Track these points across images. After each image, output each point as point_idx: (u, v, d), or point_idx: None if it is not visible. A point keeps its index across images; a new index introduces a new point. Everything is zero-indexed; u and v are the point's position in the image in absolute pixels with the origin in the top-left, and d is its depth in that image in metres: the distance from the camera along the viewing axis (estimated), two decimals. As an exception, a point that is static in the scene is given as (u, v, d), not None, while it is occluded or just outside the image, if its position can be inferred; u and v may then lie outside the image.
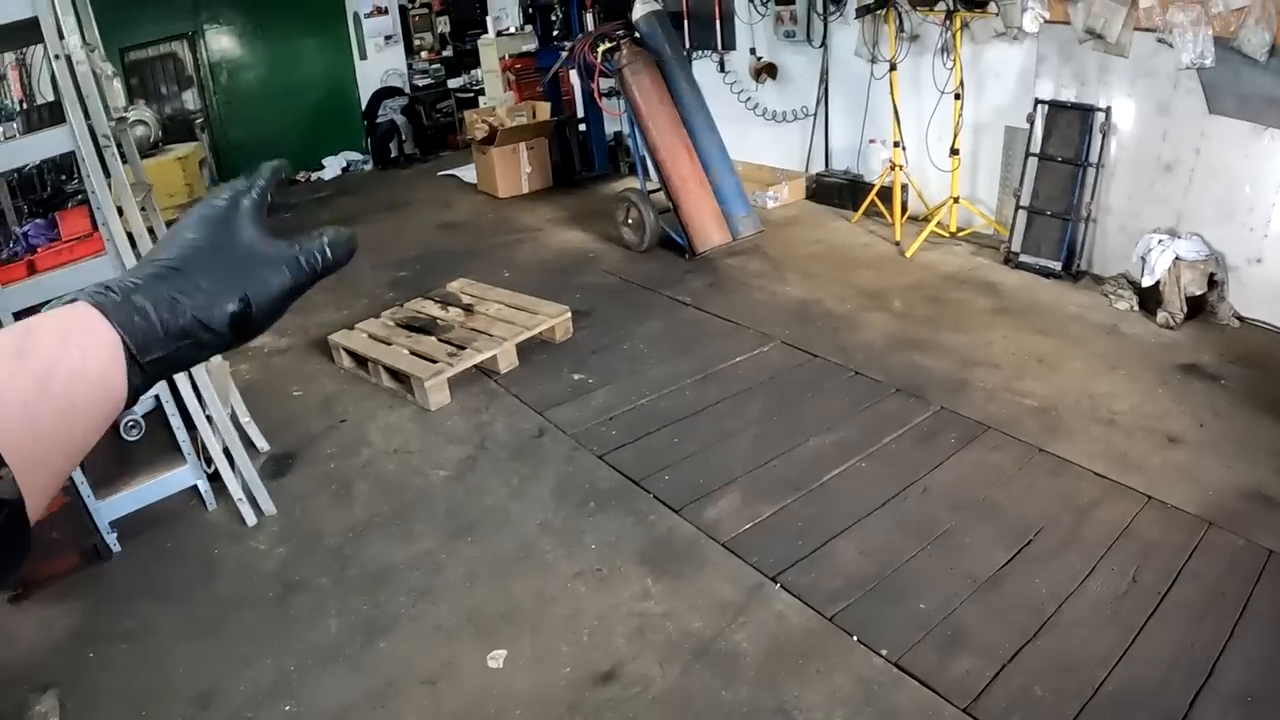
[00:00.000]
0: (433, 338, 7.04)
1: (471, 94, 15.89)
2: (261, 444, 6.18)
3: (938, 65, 8.39)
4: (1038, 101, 7.75)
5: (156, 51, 14.62)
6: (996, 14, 7.85)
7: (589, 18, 12.25)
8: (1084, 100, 7.48)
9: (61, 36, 4.34)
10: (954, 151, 8.39)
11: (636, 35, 8.89)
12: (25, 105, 7.87)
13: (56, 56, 4.34)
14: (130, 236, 4.78)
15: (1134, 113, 7.20)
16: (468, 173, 13.72)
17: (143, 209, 5.11)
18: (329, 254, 1.01)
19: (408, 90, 16.54)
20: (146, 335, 0.83)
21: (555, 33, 12.66)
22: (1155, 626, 3.90)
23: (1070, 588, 4.14)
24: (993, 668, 3.75)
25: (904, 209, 8.97)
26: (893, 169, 8.82)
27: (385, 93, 16.09)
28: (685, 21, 11.42)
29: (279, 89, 15.59)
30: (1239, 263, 6.70)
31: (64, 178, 5.97)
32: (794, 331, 7.02)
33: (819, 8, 9.81)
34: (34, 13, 4.22)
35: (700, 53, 11.54)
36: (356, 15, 16.16)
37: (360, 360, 7.10)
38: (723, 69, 11.41)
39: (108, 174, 4.62)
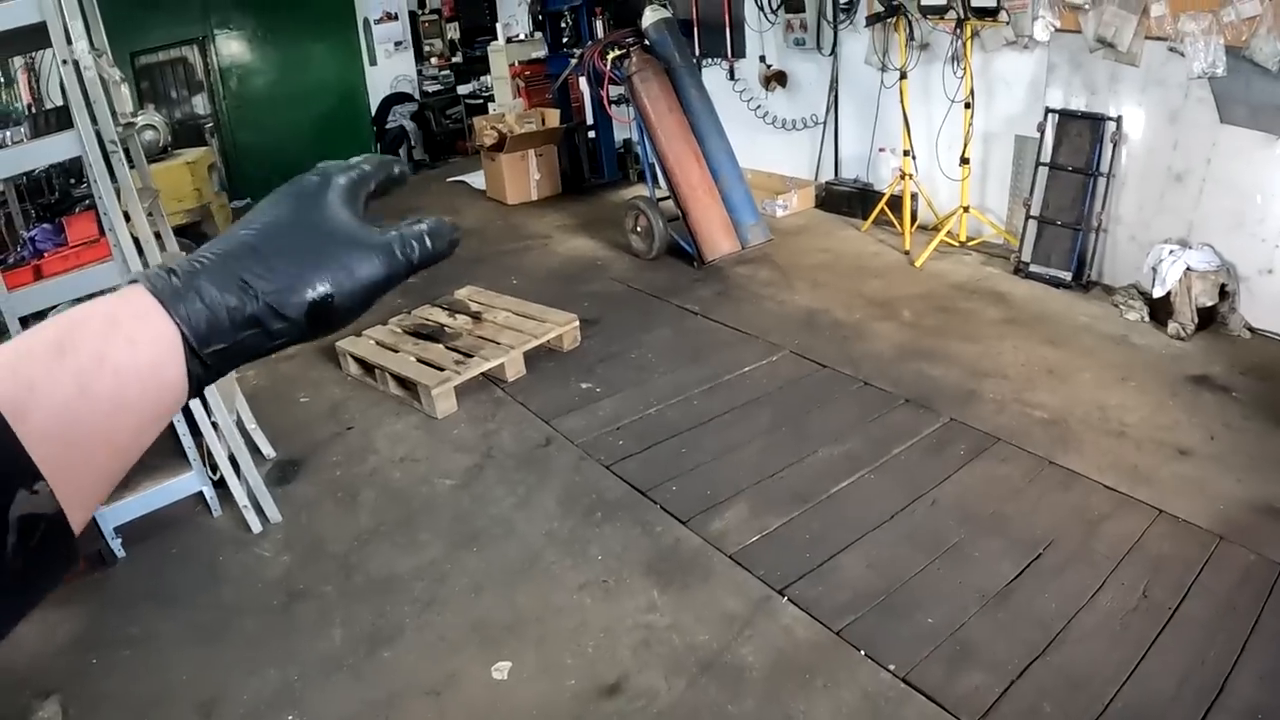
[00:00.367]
0: (440, 345, 7.03)
1: (481, 100, 15.91)
2: (267, 450, 6.17)
3: (948, 74, 8.36)
4: (1048, 110, 7.71)
5: (167, 56, 14.63)
6: (1007, 22, 7.81)
7: (599, 25, 12.24)
8: (1094, 109, 7.44)
9: (69, 42, 4.32)
10: (964, 160, 8.35)
11: (646, 43, 8.89)
12: (33, 109, 7.87)
13: (64, 62, 4.34)
14: (137, 242, 4.77)
15: (1145, 122, 7.17)
16: (476, 179, 13.74)
17: (150, 215, 5.11)
18: (428, 244, 0.91)
19: (417, 96, 16.57)
20: (210, 324, 0.76)
21: (565, 39, 12.64)
22: (1166, 642, 3.85)
23: (1080, 602, 4.09)
24: (1001, 683, 3.71)
25: (913, 218, 8.94)
26: (902, 178, 8.79)
27: (395, 99, 16.13)
28: (695, 29, 11.41)
29: (289, 94, 15.60)
30: (1250, 273, 6.66)
31: (73, 181, 5.97)
32: (803, 341, 6.99)
33: (829, 15, 9.79)
34: (41, 17, 4.21)
35: (710, 60, 11.54)
36: (366, 21, 16.17)
37: (367, 367, 7.08)
38: (732, 76, 11.40)
39: (115, 179, 4.61)
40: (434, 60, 17.07)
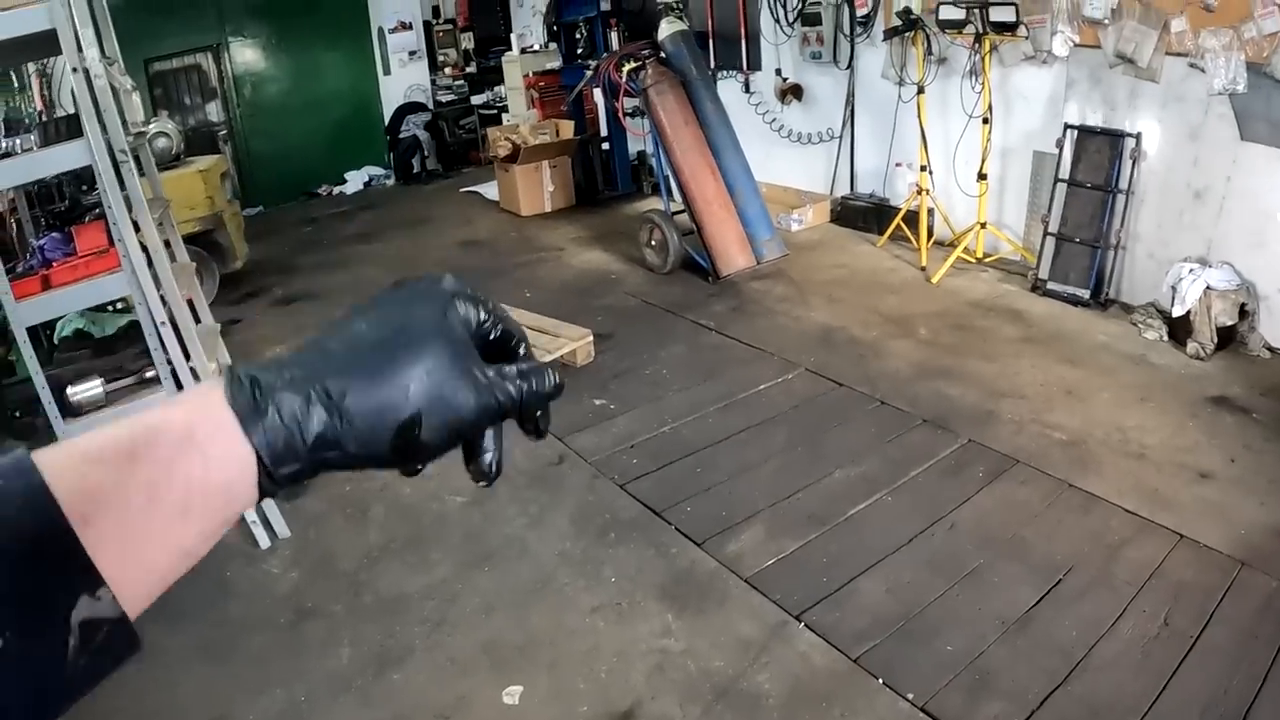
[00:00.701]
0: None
1: (495, 111, 15.92)
2: (277, 464, 6.11)
3: (966, 88, 8.30)
4: (1067, 126, 7.65)
5: (181, 63, 14.71)
6: (1026, 37, 7.76)
7: (613, 36, 12.22)
8: (1113, 125, 7.38)
9: (80, 49, 4.29)
10: (981, 176, 8.29)
11: (662, 55, 8.85)
12: (44, 116, 7.86)
13: (75, 70, 4.30)
14: (147, 252, 4.73)
15: (1164, 139, 7.10)
16: (490, 190, 13.73)
17: (160, 225, 5.07)
18: (533, 386, 0.85)
19: (431, 106, 16.60)
20: (287, 444, 0.73)
21: (580, 50, 12.63)
22: (1188, 671, 3.78)
23: (1101, 630, 4.02)
24: (1021, 713, 3.63)
25: (930, 234, 8.87)
26: (919, 193, 8.73)
27: (408, 108, 16.15)
28: (710, 41, 11.39)
29: (302, 102, 15.65)
30: (1270, 292, 6.59)
31: (84, 189, 5.93)
32: (819, 358, 6.93)
33: (846, 29, 9.74)
34: (52, 25, 4.18)
35: (725, 73, 11.52)
36: (381, 30, 16.22)
37: (378, 380, 7.02)
38: (748, 89, 11.37)
39: (125, 189, 4.57)
40: (448, 70, 17.12)
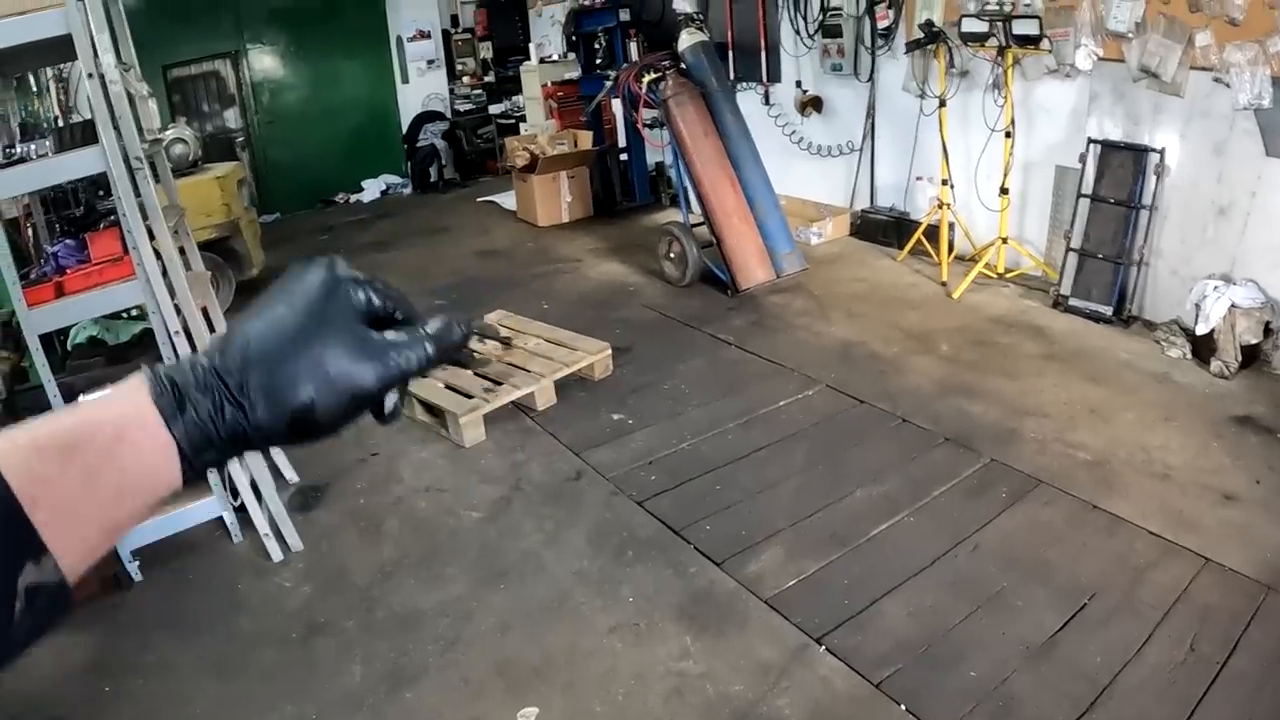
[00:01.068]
0: (469, 371, 6.92)
1: (513, 120, 15.92)
2: (290, 474, 6.09)
3: (988, 102, 8.24)
4: (1090, 141, 7.57)
5: (199, 69, 14.77)
6: (1049, 51, 7.70)
7: (633, 46, 12.20)
8: (1137, 140, 7.30)
9: (96, 55, 4.26)
10: (1003, 190, 8.22)
11: (682, 66, 8.81)
12: (60, 122, 7.84)
13: (90, 75, 4.27)
14: (161, 260, 4.70)
15: (1188, 154, 7.02)
16: (507, 199, 13.73)
17: (175, 232, 5.04)
18: (429, 352, 0.95)
19: (449, 115, 16.63)
20: (202, 437, 0.85)
21: (598, 61, 12.61)
22: (1214, 698, 3.69)
23: (1126, 656, 3.94)
24: (1048, 742, 3.58)
25: (951, 248, 8.81)
26: (940, 207, 8.67)
27: (426, 117, 16.18)
28: (730, 52, 11.34)
29: (320, 110, 15.69)
30: (1295, 311, 6.51)
31: (100, 194, 5.91)
32: (839, 374, 6.86)
33: (867, 41, 9.70)
34: (68, 30, 4.15)
35: (745, 84, 11.45)
36: (399, 39, 16.24)
37: (394, 391, 6.98)
38: (767, 101, 11.32)
39: (140, 196, 4.54)
40: (466, 79, 17.13)
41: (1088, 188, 7.58)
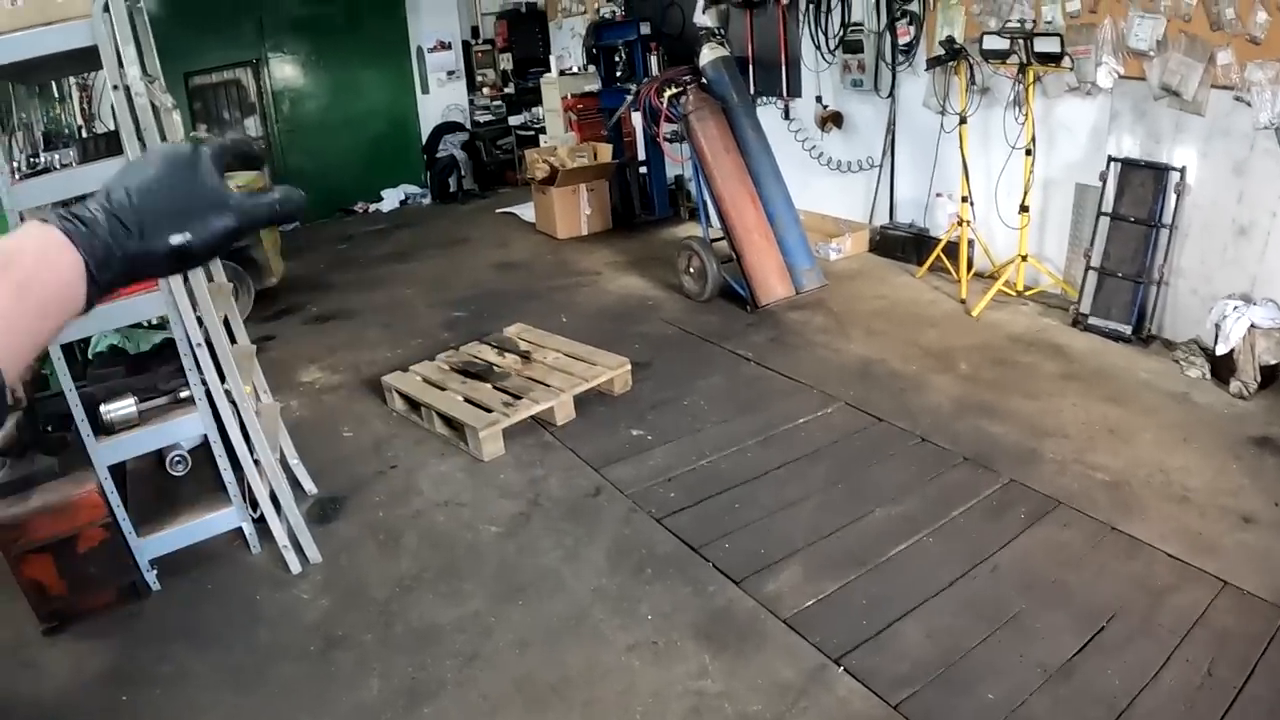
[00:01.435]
0: (488, 385, 6.94)
1: (532, 132, 15.94)
2: (309, 486, 6.10)
3: (1008, 119, 8.22)
4: (1110, 159, 7.55)
5: (220, 78, 14.84)
6: (1070, 68, 7.68)
7: (653, 60, 12.22)
8: (1157, 159, 7.27)
9: (121, 66, 4.28)
10: (1023, 208, 8.20)
11: (703, 81, 8.82)
12: (83, 130, 7.86)
13: (115, 87, 4.30)
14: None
15: (1209, 173, 6.99)
16: (526, 211, 13.74)
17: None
18: (278, 209, 1.19)
19: (468, 126, 16.67)
20: (105, 257, 1.03)
21: (619, 74, 12.64)
22: (1231, 723, 3.69)
23: (1144, 679, 3.91)
24: (1066, 767, 3.57)
25: (970, 265, 8.80)
26: (960, 224, 8.66)
27: (446, 127, 16.21)
28: (750, 67, 11.34)
29: (340, 119, 15.74)
30: (1316, 332, 6.47)
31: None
32: (858, 392, 6.85)
33: (888, 57, 9.69)
34: (94, 41, 4.18)
35: (765, 99, 11.44)
36: (420, 49, 16.29)
37: (413, 404, 7.02)
38: (787, 116, 11.31)
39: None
40: (486, 90, 17.16)
41: (1108, 206, 7.56)
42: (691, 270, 9.28)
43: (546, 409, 6.64)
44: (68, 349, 4.77)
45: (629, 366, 7.23)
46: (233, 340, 5.48)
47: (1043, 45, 7.46)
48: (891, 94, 9.81)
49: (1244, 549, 4.77)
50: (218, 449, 5.04)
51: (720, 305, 9.05)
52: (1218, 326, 6.60)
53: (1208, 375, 6.71)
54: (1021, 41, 7.58)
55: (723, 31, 10.26)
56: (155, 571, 5.11)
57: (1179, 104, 7.00)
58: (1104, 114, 7.71)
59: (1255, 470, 5.53)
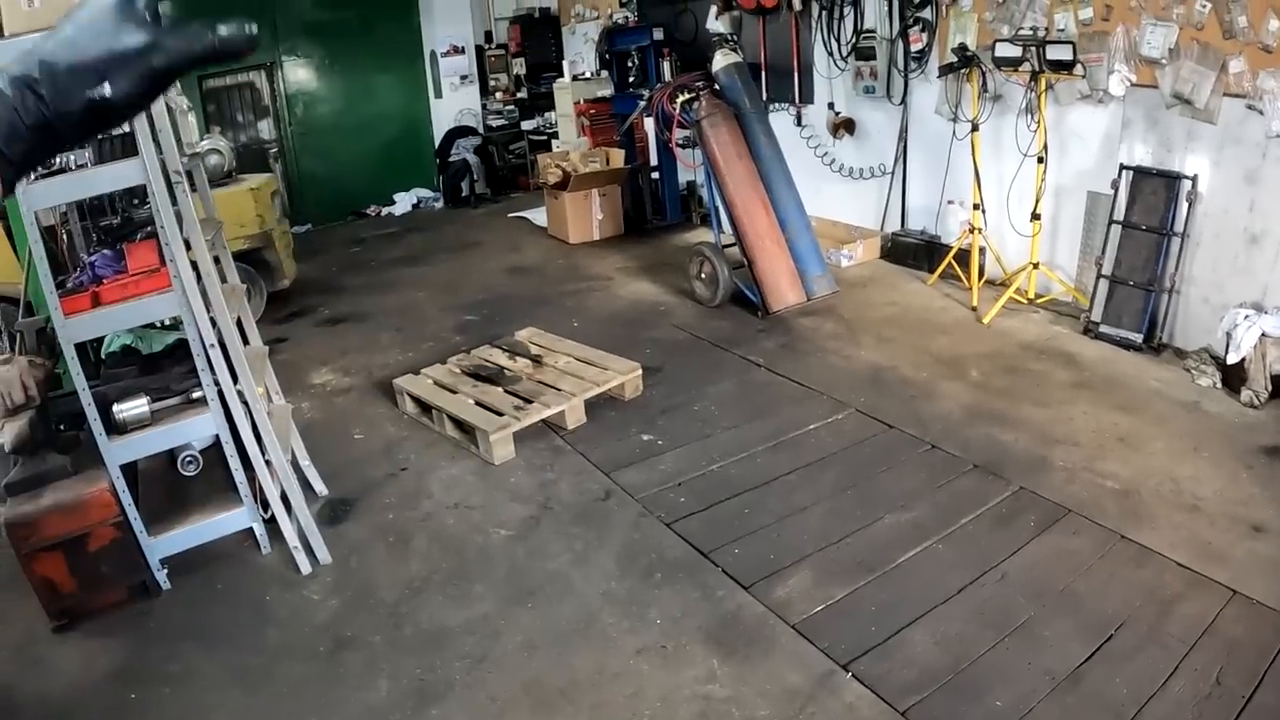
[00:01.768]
0: (499, 388, 6.95)
1: (545, 137, 15.95)
2: (320, 487, 6.12)
3: (1020, 126, 8.22)
4: (1123, 167, 7.55)
5: (234, 80, 14.86)
6: (1082, 76, 7.68)
7: (665, 66, 12.24)
8: (1169, 167, 7.26)
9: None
10: (1035, 216, 8.20)
11: (716, 87, 8.83)
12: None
13: (131, 89, 4.30)
14: (197, 271, 4.74)
15: (1221, 181, 6.98)
16: (538, 215, 13.77)
17: (211, 245, 5.07)
18: (217, 45, 1.08)
19: (481, 130, 16.68)
20: (10, 133, 0.99)
21: (631, 79, 12.65)
22: (1240, 734, 3.68)
23: (1152, 689, 3.90)
24: (1074, 775, 3.56)
25: (981, 273, 8.79)
26: (971, 231, 8.66)
27: (459, 132, 16.24)
28: (763, 73, 11.36)
29: (354, 123, 15.77)
30: (1328, 341, 6.46)
31: (135, 202, 5.94)
32: (869, 399, 6.85)
33: (900, 64, 9.70)
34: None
35: (777, 105, 11.46)
36: (433, 54, 16.30)
37: (424, 407, 7.03)
38: (799, 123, 11.32)
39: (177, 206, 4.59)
40: (499, 95, 17.19)
41: (1120, 214, 7.56)
42: (703, 276, 9.29)
43: (557, 413, 6.65)
44: (81, 349, 4.78)
45: (640, 371, 7.24)
46: (245, 341, 5.50)
47: (1055, 53, 7.48)
48: (904, 101, 9.81)
49: (1254, 558, 4.75)
50: (229, 449, 5.06)
51: (731, 311, 9.06)
52: (1229, 335, 6.58)
53: (1219, 384, 6.70)
54: (1034, 49, 7.59)
55: (735, 38, 10.27)
56: (166, 571, 5.12)
57: (1191, 112, 7.00)
58: (1116, 122, 7.71)
59: (1266, 479, 5.52)
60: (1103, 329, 7.65)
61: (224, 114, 14.83)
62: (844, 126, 10.64)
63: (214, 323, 4.82)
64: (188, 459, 5.22)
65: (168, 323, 5.71)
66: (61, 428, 5.13)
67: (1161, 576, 4.65)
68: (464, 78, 16.72)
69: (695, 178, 12.09)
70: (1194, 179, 7.07)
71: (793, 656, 4.28)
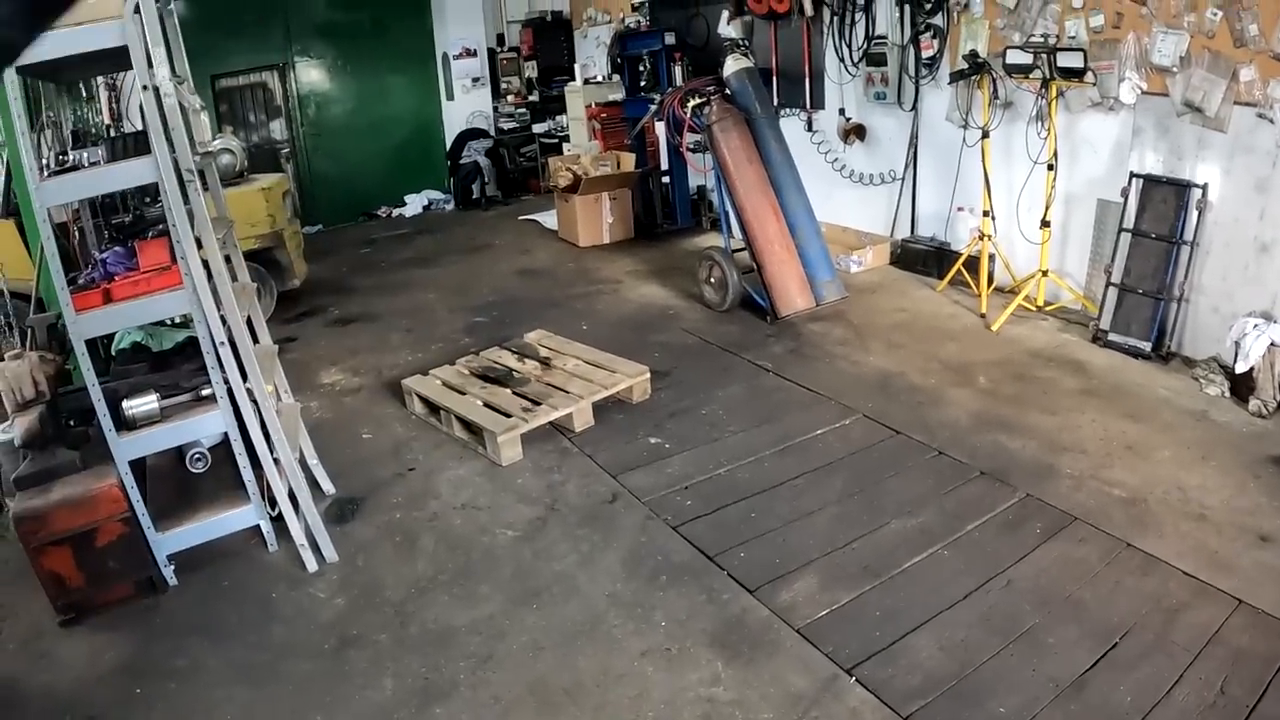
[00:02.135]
0: (508, 390, 6.97)
1: (556, 140, 15.98)
2: (327, 486, 6.14)
3: (1031, 134, 8.22)
4: (1133, 175, 7.54)
5: (247, 80, 14.91)
6: (1093, 83, 7.69)
7: (677, 70, 12.24)
8: (1179, 175, 7.25)
9: (151, 67, 4.32)
10: (1045, 223, 8.20)
11: (727, 91, 8.84)
12: (111, 130, 7.91)
13: (145, 87, 4.34)
14: (208, 270, 4.75)
15: (1231, 190, 6.96)
16: (548, 218, 13.79)
17: (222, 244, 5.09)
18: None
19: (492, 133, 16.70)
20: None
21: (643, 83, 12.66)
22: (1244, 744, 3.67)
23: (1156, 697, 3.89)
24: (1076, 782, 3.56)
25: (990, 280, 8.79)
26: (981, 238, 8.66)
27: (470, 134, 16.27)
28: (774, 79, 11.38)
29: (365, 124, 15.82)
30: (1338, 351, 6.45)
31: (147, 200, 5.96)
32: (876, 405, 6.85)
33: (911, 70, 9.70)
34: (124, 42, 4.22)
35: (788, 110, 11.48)
36: (445, 56, 16.32)
37: (432, 407, 7.04)
38: (810, 128, 11.34)
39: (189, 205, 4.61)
40: (510, 98, 17.22)
41: (1129, 222, 7.54)
42: (712, 280, 9.30)
43: (565, 415, 6.67)
44: (92, 345, 4.79)
45: (648, 375, 7.25)
46: (255, 340, 5.51)
47: (1066, 60, 7.47)
48: (914, 107, 9.82)
49: (1260, 568, 4.74)
50: (238, 447, 5.08)
51: (740, 315, 9.07)
52: (1238, 344, 6.57)
53: (1227, 393, 6.69)
54: (1045, 56, 7.59)
55: (747, 43, 10.26)
56: (173, 567, 5.14)
57: (1201, 120, 6.99)
58: (1126, 129, 7.70)
59: (1273, 489, 5.50)
60: (1111, 337, 7.64)
61: (236, 114, 14.88)
62: (855, 132, 10.65)
63: (224, 321, 4.84)
64: (196, 456, 5.23)
65: (178, 320, 5.73)
66: (71, 423, 5.15)
67: (1167, 585, 4.64)
68: (476, 80, 16.74)
69: (706, 182, 12.12)
70: (1204, 187, 7.06)
71: (797, 660, 4.28)
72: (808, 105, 11.27)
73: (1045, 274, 8.43)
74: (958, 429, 6.45)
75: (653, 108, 10.18)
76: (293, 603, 5.01)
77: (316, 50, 15.27)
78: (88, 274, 5.00)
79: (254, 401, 5.03)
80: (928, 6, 9.28)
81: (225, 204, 6.00)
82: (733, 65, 8.84)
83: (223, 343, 4.81)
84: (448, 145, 16.54)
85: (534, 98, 17.21)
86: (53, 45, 4.18)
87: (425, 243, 13.81)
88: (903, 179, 10.27)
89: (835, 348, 8.15)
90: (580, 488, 5.99)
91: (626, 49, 12.79)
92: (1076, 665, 4.12)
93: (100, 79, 8.02)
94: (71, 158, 4.99)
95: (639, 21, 13.79)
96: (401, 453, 6.69)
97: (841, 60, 10.43)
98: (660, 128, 11.44)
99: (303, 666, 4.49)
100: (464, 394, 6.96)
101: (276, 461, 5.18)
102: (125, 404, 4.84)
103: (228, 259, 5.29)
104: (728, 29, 11.35)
